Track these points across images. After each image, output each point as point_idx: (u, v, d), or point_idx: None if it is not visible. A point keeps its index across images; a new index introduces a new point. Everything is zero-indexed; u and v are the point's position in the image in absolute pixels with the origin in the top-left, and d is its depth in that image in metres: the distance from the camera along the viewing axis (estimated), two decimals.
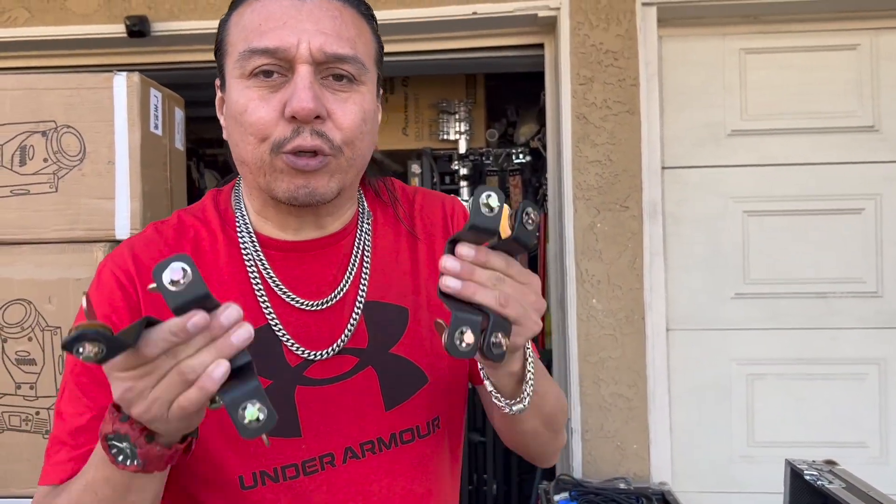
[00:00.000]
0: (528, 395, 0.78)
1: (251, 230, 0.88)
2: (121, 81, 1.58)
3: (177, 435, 0.67)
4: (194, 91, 2.30)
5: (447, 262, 0.65)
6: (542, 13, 2.25)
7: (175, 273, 0.58)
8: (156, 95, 1.67)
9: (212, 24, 2.30)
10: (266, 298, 0.85)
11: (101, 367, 0.79)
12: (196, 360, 0.59)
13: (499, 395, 0.80)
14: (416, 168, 3.40)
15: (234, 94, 0.80)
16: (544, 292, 3.17)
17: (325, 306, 0.86)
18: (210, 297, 0.59)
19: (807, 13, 2.27)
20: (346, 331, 0.86)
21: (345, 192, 0.85)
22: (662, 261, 2.26)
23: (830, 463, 1.26)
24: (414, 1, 2.27)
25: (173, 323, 0.59)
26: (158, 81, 1.71)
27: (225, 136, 0.85)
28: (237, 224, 0.88)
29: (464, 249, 0.66)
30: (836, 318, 2.28)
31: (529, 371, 0.80)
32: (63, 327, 1.54)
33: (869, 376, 2.27)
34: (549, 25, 2.33)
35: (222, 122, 0.86)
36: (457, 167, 3.53)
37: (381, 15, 2.23)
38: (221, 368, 0.59)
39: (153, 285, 0.59)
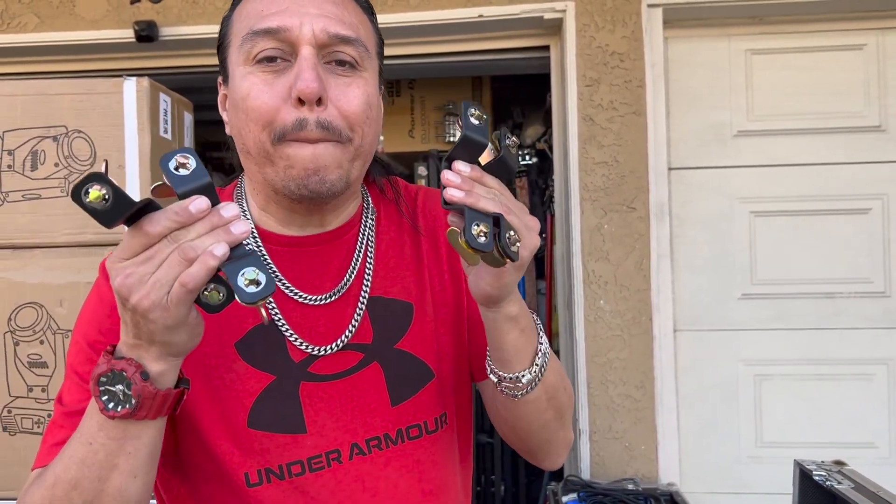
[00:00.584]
0: (542, 357, 0.79)
1: (252, 226, 0.87)
2: (130, 86, 1.60)
3: (173, 372, 0.67)
4: (201, 95, 2.31)
5: (448, 175, 0.66)
6: (547, 15, 2.26)
7: (180, 158, 0.60)
8: (165, 100, 1.68)
9: (218, 29, 2.31)
10: None
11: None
12: (197, 242, 0.60)
13: (504, 372, 0.79)
14: (422, 170, 3.41)
15: (238, 81, 0.79)
16: (551, 293, 3.17)
17: (328, 301, 0.86)
18: (213, 188, 0.61)
19: (813, 13, 2.27)
20: (350, 325, 0.85)
21: (350, 187, 0.84)
22: (669, 262, 2.26)
23: (839, 463, 1.26)
24: (420, 4, 2.28)
25: (177, 204, 0.60)
26: (166, 85, 1.72)
27: (228, 131, 0.84)
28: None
29: (460, 165, 0.67)
30: (843, 318, 2.28)
31: (541, 334, 0.80)
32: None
33: (877, 376, 2.26)
34: (555, 27, 2.33)
35: (225, 118, 0.86)
36: None
37: (388, 18, 2.25)
38: (222, 247, 0.60)
39: (157, 184, 0.61)
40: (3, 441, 1.56)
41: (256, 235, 0.87)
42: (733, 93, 2.32)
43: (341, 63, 0.79)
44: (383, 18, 2.25)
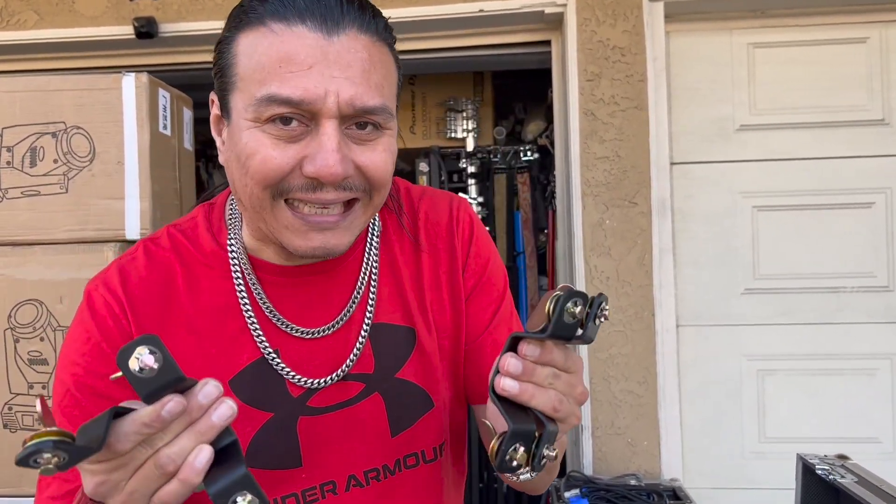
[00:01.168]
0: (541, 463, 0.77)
1: (243, 254, 0.82)
2: (129, 82, 1.59)
3: None
4: (202, 92, 2.30)
5: (510, 362, 0.59)
6: (548, 10, 2.25)
7: (144, 359, 0.51)
8: (164, 96, 1.68)
9: (219, 25, 2.30)
10: (259, 329, 0.80)
11: (90, 401, 0.74)
12: (174, 449, 0.53)
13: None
14: (423, 166, 3.40)
15: (244, 135, 0.71)
16: (552, 288, 3.17)
17: (328, 333, 0.81)
18: (184, 378, 0.53)
19: (815, 7, 2.26)
20: (351, 356, 0.81)
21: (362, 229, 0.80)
22: (672, 257, 2.25)
23: (842, 457, 1.25)
24: (420, 1, 2.27)
25: (146, 413, 0.52)
26: (166, 82, 1.72)
27: (221, 160, 0.78)
28: (229, 247, 0.82)
29: (529, 349, 0.60)
30: (846, 312, 2.27)
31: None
32: None
33: (880, 371, 2.25)
34: (556, 22, 2.32)
35: (218, 143, 0.79)
36: (465, 165, 3.53)
37: (389, 13, 2.22)
38: (204, 456, 0.53)
39: (117, 374, 0.52)
40: (4, 438, 1.56)
41: (248, 266, 0.82)
42: (735, 87, 2.31)
43: (363, 125, 0.72)
44: (384, 13, 2.24)
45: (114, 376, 0.53)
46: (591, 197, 2.23)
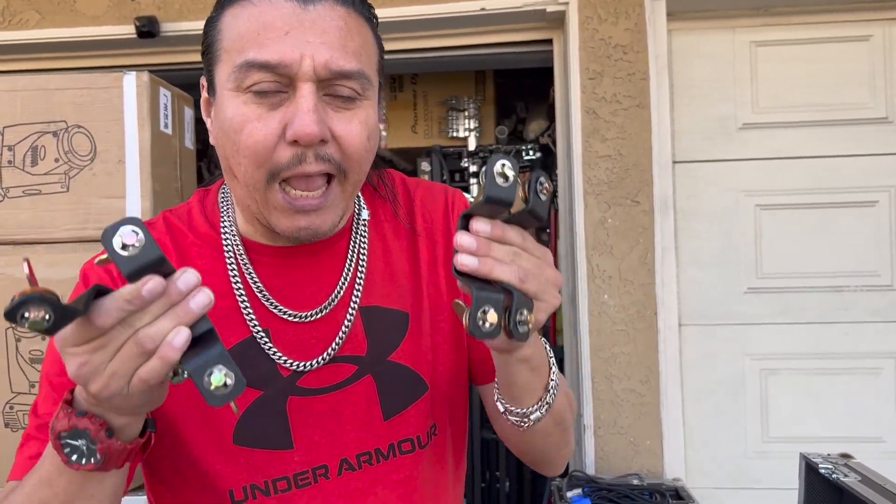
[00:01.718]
0: (552, 393, 0.76)
1: (236, 236, 0.84)
2: (130, 81, 1.59)
3: (138, 422, 0.64)
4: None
5: (462, 238, 0.61)
6: (550, 8, 2.24)
7: (126, 236, 0.53)
8: (165, 94, 1.68)
9: None
10: (251, 310, 0.81)
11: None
12: (154, 329, 0.55)
13: (512, 406, 0.76)
14: (425, 165, 3.40)
15: (228, 108, 0.73)
16: None
17: (317, 316, 0.83)
18: (165, 261, 0.55)
19: (818, 4, 2.25)
20: (338, 338, 0.82)
21: (345, 212, 0.81)
22: (674, 255, 2.24)
23: (846, 456, 1.25)
24: None
25: (127, 290, 0.54)
26: (168, 81, 1.72)
27: (212, 141, 0.79)
28: (222, 229, 0.84)
29: (479, 224, 0.62)
30: (850, 311, 2.26)
31: (553, 368, 0.77)
32: None
33: (884, 370, 2.25)
34: (558, 20, 2.32)
35: (209, 125, 0.81)
36: (466, 164, 3.53)
37: (390, 12, 2.23)
38: (182, 335, 0.55)
39: (103, 256, 0.54)
40: (5, 437, 1.56)
41: (240, 247, 0.83)
42: (738, 85, 2.31)
43: (340, 95, 0.74)
44: (385, 13, 2.24)
45: (98, 259, 0.56)
46: (593, 195, 2.22)
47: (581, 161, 2.23)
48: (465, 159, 3.53)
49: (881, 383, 2.25)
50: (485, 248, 0.62)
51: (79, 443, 0.62)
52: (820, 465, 1.19)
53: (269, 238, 0.83)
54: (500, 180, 0.59)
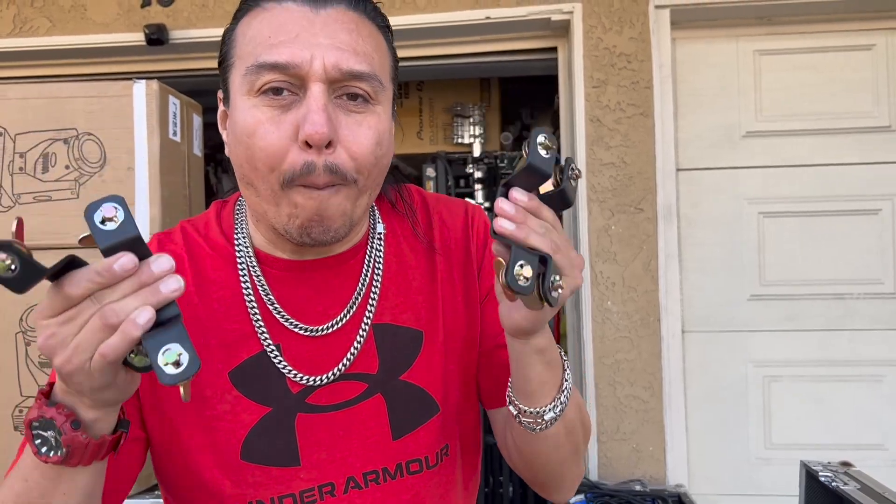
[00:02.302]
0: (565, 393, 0.76)
1: (250, 248, 0.83)
2: (140, 89, 1.61)
3: (109, 418, 0.64)
4: (211, 97, 2.32)
5: (503, 204, 0.63)
6: (555, 17, 2.26)
7: (106, 210, 0.55)
8: (174, 102, 1.70)
9: None
10: (262, 323, 0.81)
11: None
12: (120, 304, 0.55)
13: (526, 406, 0.76)
14: (430, 171, 3.41)
15: (241, 113, 0.73)
16: None
17: (329, 331, 0.82)
18: (141, 241, 0.56)
19: (821, 14, 2.26)
20: (349, 354, 0.82)
21: (355, 226, 0.80)
22: (678, 263, 2.26)
23: (846, 464, 1.25)
24: (428, 6, 2.29)
25: (100, 263, 0.55)
26: (176, 88, 1.74)
27: (227, 152, 0.80)
28: (236, 241, 0.84)
29: (517, 194, 0.64)
30: (853, 319, 2.26)
31: (567, 370, 0.77)
32: None
33: (887, 378, 2.25)
34: (563, 29, 2.34)
35: (224, 137, 0.81)
36: (471, 170, 3.54)
37: (396, 21, 2.25)
38: (146, 313, 0.55)
39: (84, 234, 0.56)
40: (14, 440, 1.57)
41: (254, 259, 0.83)
42: (742, 93, 2.32)
43: (353, 97, 0.74)
44: (392, 21, 2.26)
45: (81, 236, 0.57)
46: (596, 203, 2.24)
47: (585, 168, 2.24)
48: (470, 165, 3.54)
49: (884, 391, 2.25)
50: (522, 216, 0.64)
51: (48, 434, 0.62)
52: (820, 473, 1.20)
53: (282, 251, 0.83)
54: (542, 151, 0.62)
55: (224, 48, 0.79)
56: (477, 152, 3.55)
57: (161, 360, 0.55)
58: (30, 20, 2.39)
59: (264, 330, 0.80)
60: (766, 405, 2.29)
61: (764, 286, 2.30)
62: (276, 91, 0.72)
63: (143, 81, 1.62)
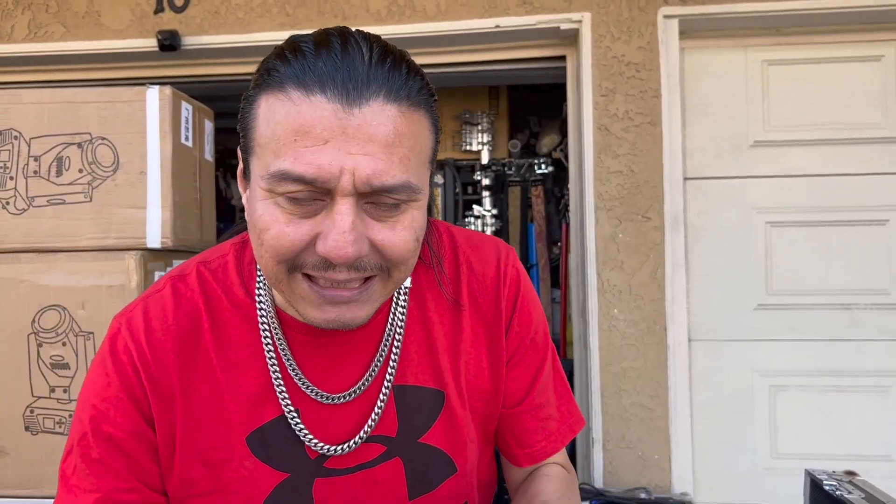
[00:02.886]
0: None
1: (272, 308, 0.80)
2: (153, 95, 1.63)
3: None
4: (222, 103, 2.35)
5: None
6: (564, 26, 2.27)
7: None
8: (186, 108, 1.72)
9: (240, 38, 2.36)
10: (284, 389, 0.78)
11: (103, 447, 0.76)
12: None
13: None
14: (438, 178, 3.43)
15: (259, 206, 0.67)
16: (566, 302, 3.18)
17: (349, 399, 0.79)
18: None
19: (830, 25, 2.27)
20: (370, 420, 0.79)
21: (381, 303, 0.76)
22: (684, 271, 2.26)
23: (850, 473, 1.26)
24: (438, 14, 2.30)
25: None
26: (188, 94, 1.76)
27: (245, 213, 0.74)
28: (258, 298, 0.80)
29: None
30: (859, 329, 2.26)
31: None
32: (95, 333, 1.58)
33: (893, 388, 2.25)
34: (571, 38, 2.35)
35: (243, 199, 0.74)
36: (479, 177, 3.56)
37: (406, 29, 2.28)
38: None
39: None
40: (25, 440, 1.59)
41: (277, 322, 0.79)
42: (749, 103, 2.33)
43: (385, 204, 0.67)
44: (401, 29, 2.28)
45: None
46: (604, 211, 2.24)
47: (593, 176, 2.25)
48: (478, 172, 3.56)
49: (890, 401, 2.25)
50: None
51: None
52: (824, 482, 1.20)
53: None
54: None
55: (244, 119, 0.70)
56: (485, 159, 3.57)
57: None
58: (44, 26, 2.43)
59: (286, 395, 0.78)
60: (772, 415, 2.29)
61: (770, 295, 2.30)
62: (299, 197, 0.65)
63: (157, 87, 1.64)
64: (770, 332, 2.29)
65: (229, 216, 4.39)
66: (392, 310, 0.81)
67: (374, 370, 0.80)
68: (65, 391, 1.59)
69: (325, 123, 0.63)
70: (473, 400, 0.84)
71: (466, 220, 3.56)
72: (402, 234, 0.68)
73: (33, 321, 1.59)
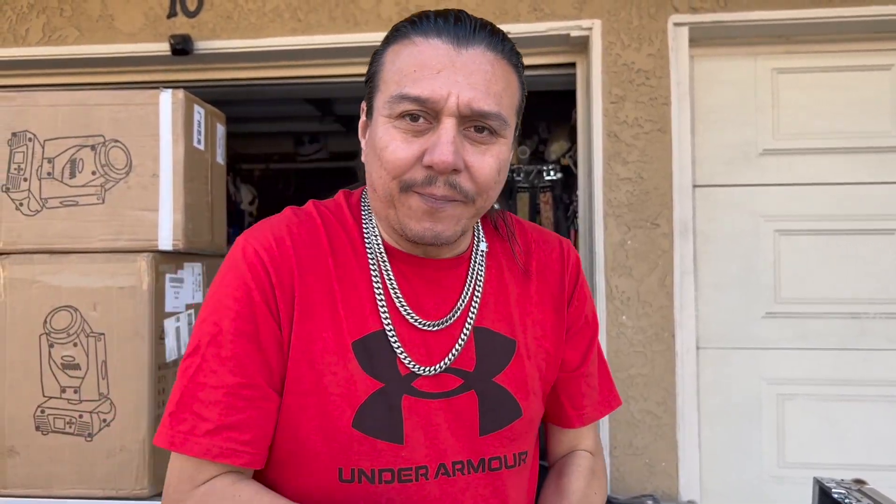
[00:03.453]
0: None
1: (378, 237, 0.91)
2: (166, 98, 1.64)
3: None
4: (232, 107, 2.37)
5: None
6: (574, 33, 2.28)
7: None
8: (199, 112, 1.73)
9: (252, 43, 2.37)
10: (385, 308, 0.88)
11: (238, 343, 0.83)
12: None
13: None
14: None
15: (380, 130, 0.82)
16: None
17: (438, 327, 0.89)
18: None
19: (840, 34, 2.27)
20: (453, 350, 0.89)
21: (462, 235, 0.89)
22: (693, 279, 2.26)
23: (859, 482, 1.25)
24: None
25: None
26: (200, 97, 1.77)
27: (363, 158, 0.89)
28: (365, 230, 0.92)
29: None
30: (868, 338, 2.26)
31: None
32: (106, 334, 1.59)
33: None
34: (582, 45, 2.36)
35: (363, 144, 0.90)
36: None
37: None
38: None
39: None
40: (35, 440, 1.60)
41: (382, 250, 0.90)
42: (759, 111, 2.33)
43: (480, 129, 0.81)
44: None
45: None
46: (613, 217, 2.25)
47: (602, 183, 2.26)
48: None
49: None
50: None
51: None
52: (833, 490, 1.20)
53: (404, 245, 0.90)
54: None
55: (372, 68, 0.87)
56: None
57: None
58: (59, 29, 2.45)
59: (386, 311, 0.88)
60: (780, 423, 2.28)
61: (779, 304, 2.29)
62: (413, 118, 0.80)
63: (170, 91, 1.65)
64: (778, 340, 2.29)
65: (238, 220, 4.40)
66: (471, 264, 0.94)
67: (459, 307, 0.91)
68: (75, 391, 1.59)
69: (438, 58, 0.80)
70: (537, 358, 0.95)
71: None
72: (489, 160, 0.82)
73: (45, 321, 1.60)
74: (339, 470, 0.85)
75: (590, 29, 2.27)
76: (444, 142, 0.79)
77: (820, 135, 2.29)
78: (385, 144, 0.81)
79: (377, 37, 2.33)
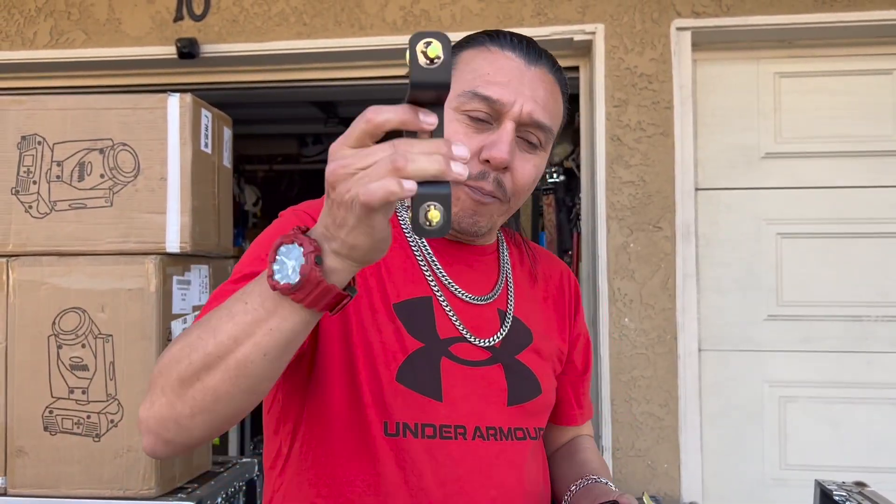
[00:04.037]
0: None
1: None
2: (174, 102, 1.65)
3: (347, 274, 0.66)
4: (236, 109, 2.38)
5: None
6: (577, 37, 2.30)
7: (431, 48, 0.54)
8: (206, 115, 1.74)
9: (258, 47, 2.39)
10: (430, 274, 0.96)
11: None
12: (412, 156, 0.56)
13: None
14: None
15: (445, 120, 0.82)
16: None
17: (482, 303, 0.98)
18: (447, 90, 0.56)
19: (842, 38, 2.28)
20: (500, 331, 0.98)
21: (492, 230, 0.99)
22: (695, 281, 2.27)
23: (860, 484, 1.27)
24: (453, 25, 2.33)
25: (407, 107, 0.58)
26: (206, 101, 1.78)
27: None
28: (400, 216, 1.00)
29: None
30: (870, 341, 2.27)
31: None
32: (114, 336, 1.60)
33: None
34: (585, 49, 2.37)
35: None
36: None
37: None
38: (434, 166, 0.56)
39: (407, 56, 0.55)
40: (44, 441, 1.61)
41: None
42: (761, 115, 2.34)
43: (528, 140, 0.93)
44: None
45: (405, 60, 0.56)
46: (615, 220, 2.26)
47: (605, 186, 2.27)
48: None
49: None
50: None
51: (289, 260, 0.64)
52: (834, 493, 1.21)
53: None
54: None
55: None
56: None
57: (423, 211, 0.57)
58: (66, 33, 2.47)
59: (433, 278, 0.96)
60: (782, 425, 2.29)
61: (781, 306, 2.31)
62: (478, 119, 0.90)
63: (178, 95, 1.66)
64: (780, 342, 2.30)
65: (242, 221, 4.42)
66: (500, 255, 1.05)
67: (497, 290, 1.01)
68: (83, 392, 1.61)
69: (511, 69, 0.92)
70: (549, 350, 1.04)
71: None
72: (529, 167, 0.94)
73: (53, 323, 1.62)
74: (385, 424, 0.89)
75: (593, 33, 2.28)
76: (505, 140, 0.89)
77: (822, 138, 2.31)
78: (448, 135, 0.87)
79: (382, 41, 2.36)
